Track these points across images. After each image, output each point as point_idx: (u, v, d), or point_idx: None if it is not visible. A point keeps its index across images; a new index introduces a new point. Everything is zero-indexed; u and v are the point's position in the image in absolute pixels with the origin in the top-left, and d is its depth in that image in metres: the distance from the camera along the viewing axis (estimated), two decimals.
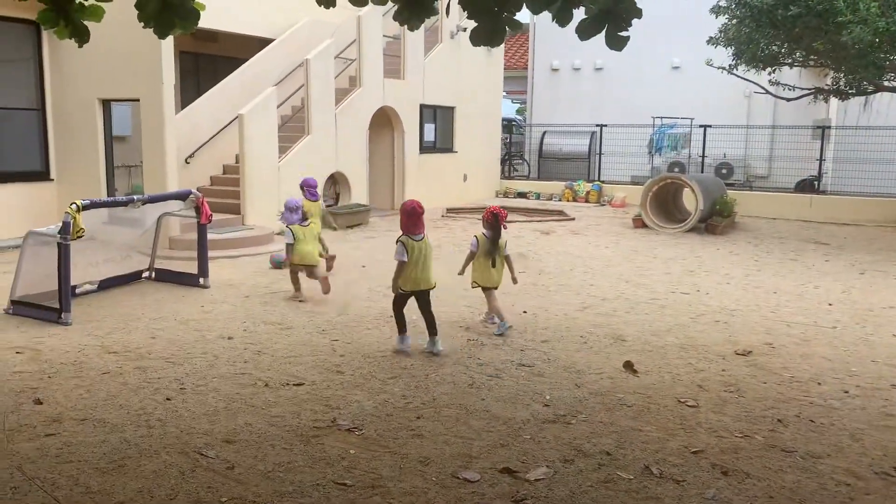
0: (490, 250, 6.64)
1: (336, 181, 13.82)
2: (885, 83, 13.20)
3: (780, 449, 4.27)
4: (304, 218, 7.87)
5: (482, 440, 4.31)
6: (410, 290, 5.88)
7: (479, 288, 6.77)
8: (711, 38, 13.46)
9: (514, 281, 6.93)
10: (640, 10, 3.68)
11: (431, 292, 6.03)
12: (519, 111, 28.57)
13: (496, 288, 6.75)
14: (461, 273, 6.85)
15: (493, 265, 6.66)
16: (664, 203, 14.16)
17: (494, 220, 6.67)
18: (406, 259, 5.75)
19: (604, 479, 3.84)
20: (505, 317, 6.64)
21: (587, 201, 17.85)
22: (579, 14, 3.66)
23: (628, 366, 5.65)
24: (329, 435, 4.34)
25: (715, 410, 4.84)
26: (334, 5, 4.01)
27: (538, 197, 18.41)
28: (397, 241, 5.86)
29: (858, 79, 12.66)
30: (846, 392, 5.28)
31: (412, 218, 5.84)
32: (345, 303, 7.55)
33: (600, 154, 18.88)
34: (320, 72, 12.76)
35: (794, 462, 4.10)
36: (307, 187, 8.91)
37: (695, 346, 6.33)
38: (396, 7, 4.02)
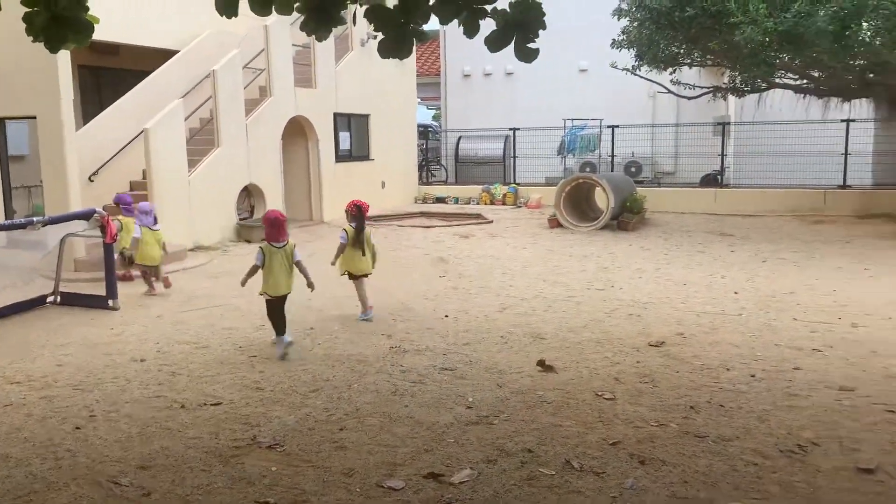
0: (358, 240, 7.26)
1: (250, 193, 13.56)
2: (777, 80, 13.94)
3: (694, 435, 4.43)
4: (156, 221, 8.74)
5: (406, 447, 4.31)
6: (276, 295, 6.24)
7: (348, 276, 7.38)
8: (614, 40, 13.90)
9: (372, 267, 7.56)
10: (545, 22, 3.77)
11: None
12: (435, 117, 28.74)
13: (366, 276, 7.39)
14: (334, 263, 7.40)
15: (363, 254, 7.32)
16: (578, 202, 14.52)
17: (358, 213, 7.32)
18: (261, 264, 6.18)
19: (526, 477, 3.90)
20: (369, 305, 7.32)
21: (504, 204, 18.10)
22: (489, 24, 3.72)
23: (542, 364, 5.75)
24: (249, 453, 4.25)
25: (631, 401, 4.99)
26: (236, 15, 3.94)
27: (457, 201, 18.56)
28: (259, 247, 6.34)
29: (752, 77, 13.31)
30: (753, 376, 5.53)
31: (274, 227, 6.30)
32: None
33: (514, 157, 19.21)
34: (228, 83, 12.50)
35: (707, 446, 4.27)
36: (122, 204, 9.01)
37: (610, 339, 6.51)
38: (303, 17, 3.98)
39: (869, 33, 10.97)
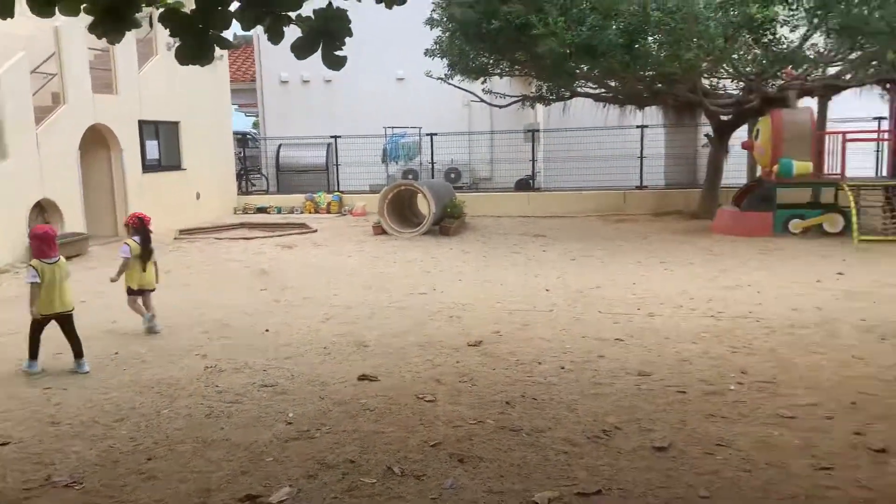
0: (142, 254, 7.12)
1: (44, 209, 12.37)
2: (579, 89, 14.94)
3: (509, 429, 4.60)
4: None
5: (222, 471, 4.11)
6: (48, 314, 5.97)
7: (132, 291, 7.19)
8: (427, 50, 14.24)
9: (156, 280, 7.44)
10: (351, 30, 3.75)
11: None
12: (255, 124, 27.87)
13: (153, 290, 7.28)
14: (114, 279, 7.19)
15: (144, 269, 7.15)
16: (401, 209, 14.70)
17: (141, 225, 7.19)
18: (38, 281, 5.87)
19: (348, 488, 3.85)
20: (146, 313, 7.18)
21: (329, 212, 17.93)
22: (297, 30, 3.64)
23: (364, 378, 5.69)
24: (42, 495, 3.86)
25: (451, 402, 5.10)
26: (12, 16, 3.56)
27: (279, 211, 18.13)
28: (28, 266, 6.13)
29: (556, 86, 14.18)
30: (563, 368, 5.85)
31: (44, 242, 6.02)
32: None
33: (337, 165, 19.11)
34: (13, 89, 11.33)
35: (521, 439, 4.45)
36: None
37: (432, 342, 6.62)
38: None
39: (655, 47, 12.07)
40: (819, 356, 6.00)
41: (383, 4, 4.31)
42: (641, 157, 17.09)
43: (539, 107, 17.00)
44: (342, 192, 18.60)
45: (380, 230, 14.09)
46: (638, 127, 16.82)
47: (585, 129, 16.85)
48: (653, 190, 17.25)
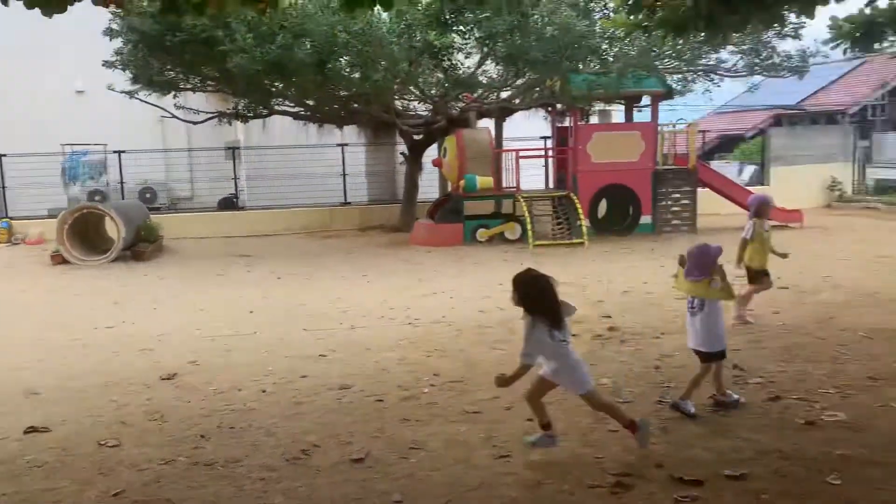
0: None
1: None
2: (277, 107, 14.84)
3: (203, 464, 4.35)
4: None
5: None
6: None
7: None
8: (106, 61, 13.12)
9: None
10: None
11: None
12: None
13: None
14: None
15: None
16: (85, 234, 13.32)
17: None
18: None
19: None
20: None
21: None
22: None
23: (32, 430, 5.01)
24: None
25: (137, 444, 4.68)
26: None
27: None
28: None
29: (253, 103, 13.94)
30: (264, 391, 5.70)
31: None
32: None
33: (4, 187, 16.76)
34: None
35: (215, 473, 4.23)
36: None
37: (118, 381, 6.04)
38: None
39: (347, 68, 12.43)
40: (500, 352, 6.59)
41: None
42: (344, 175, 17.49)
43: (238, 124, 16.56)
44: (13, 218, 16.37)
45: (60, 259, 12.64)
46: (339, 145, 17.19)
47: (288, 147, 16.81)
48: (357, 206, 17.74)
